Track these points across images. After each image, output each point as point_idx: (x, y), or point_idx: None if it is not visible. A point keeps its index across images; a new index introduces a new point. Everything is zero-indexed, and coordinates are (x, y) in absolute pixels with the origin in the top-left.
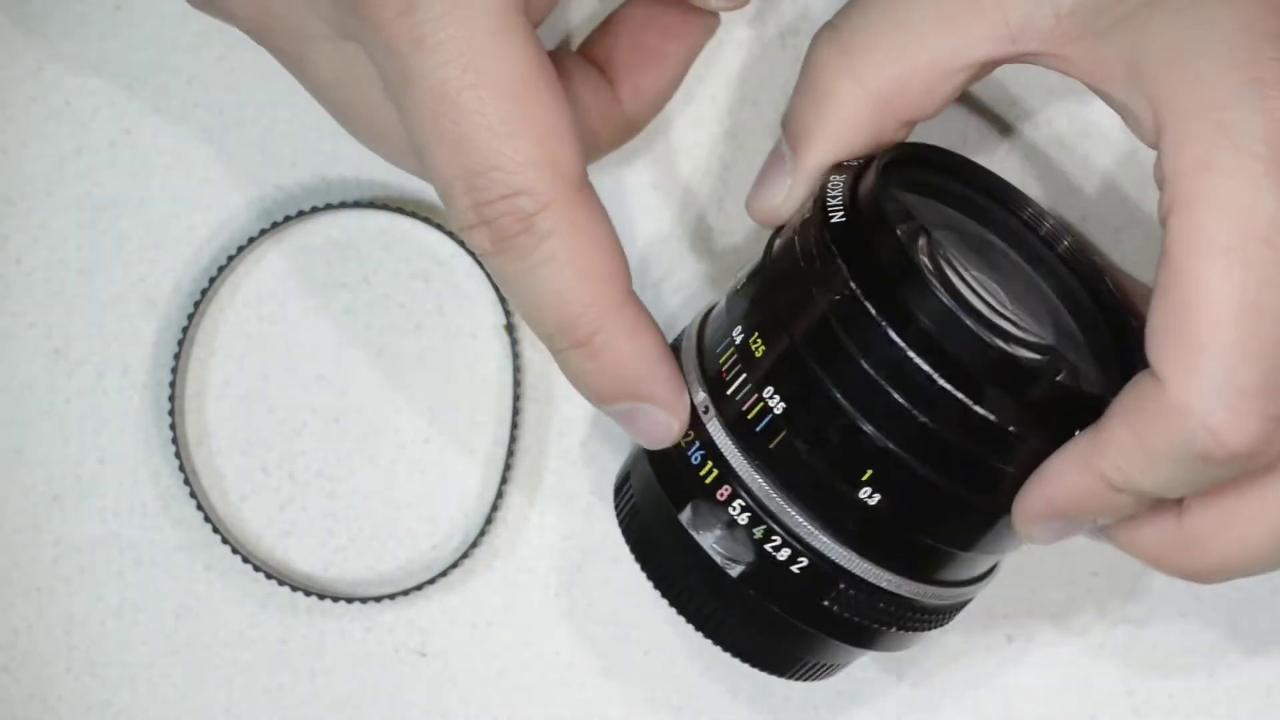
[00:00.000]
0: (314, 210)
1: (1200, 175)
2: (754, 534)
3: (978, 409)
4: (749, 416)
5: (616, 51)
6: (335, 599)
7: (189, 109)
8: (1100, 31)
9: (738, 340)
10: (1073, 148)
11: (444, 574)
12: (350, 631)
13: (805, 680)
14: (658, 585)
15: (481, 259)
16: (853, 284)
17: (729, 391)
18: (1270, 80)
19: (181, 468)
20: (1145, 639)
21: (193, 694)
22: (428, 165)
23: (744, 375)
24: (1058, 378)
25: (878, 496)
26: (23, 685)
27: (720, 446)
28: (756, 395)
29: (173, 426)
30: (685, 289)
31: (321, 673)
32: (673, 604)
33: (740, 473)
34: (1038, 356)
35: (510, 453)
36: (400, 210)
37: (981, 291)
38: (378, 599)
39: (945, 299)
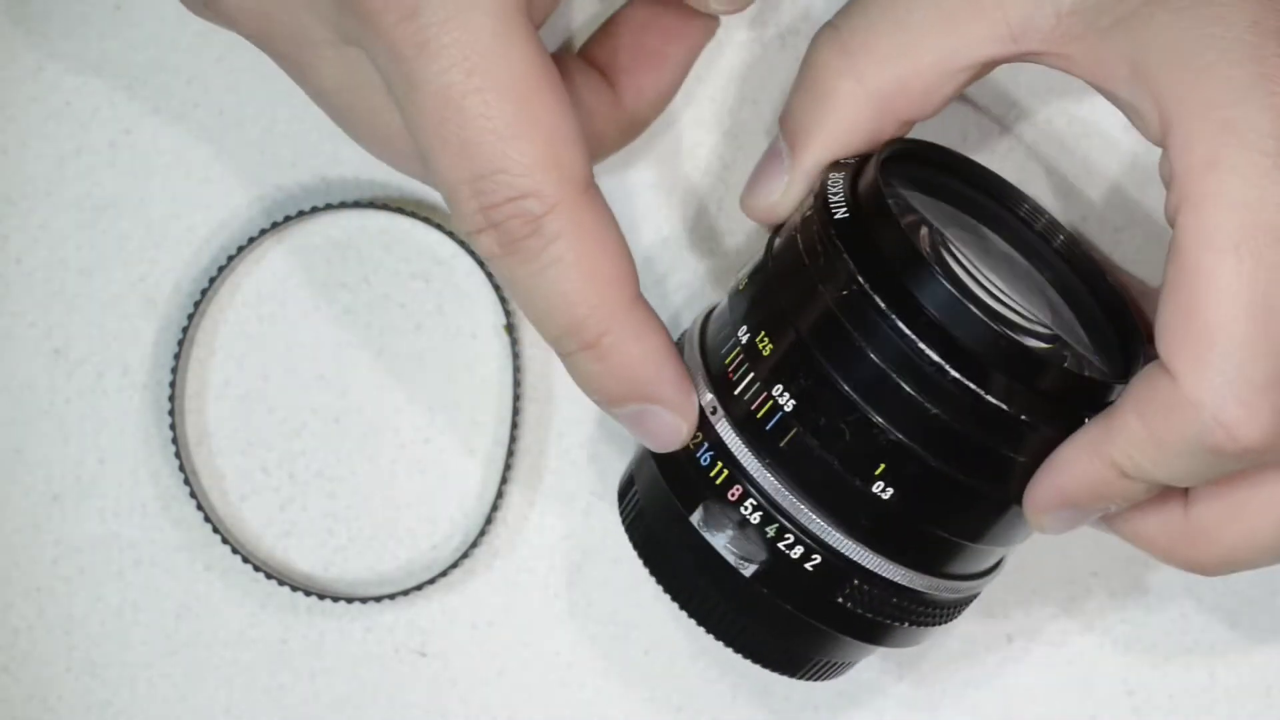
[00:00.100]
0: (314, 210)
1: (1208, 172)
2: (767, 533)
3: (989, 398)
4: (758, 415)
5: (618, 54)
6: (335, 599)
7: (189, 109)
8: (1102, 30)
9: (743, 340)
10: (1072, 148)
11: (444, 574)
12: (350, 631)
13: (815, 680)
14: (667, 588)
15: (488, 263)
16: (860, 278)
17: (736, 391)
18: (1276, 76)
19: (181, 468)
20: (1145, 639)
21: (193, 694)
22: (433, 170)
23: (751, 374)
24: (1065, 365)
25: (891, 490)
26: (23, 685)
27: (730, 446)
28: (765, 394)
29: (173, 426)
30: (685, 289)
31: (321, 673)
32: (683, 606)
33: (751, 472)
34: (1045, 345)
35: (510, 453)
36: (400, 210)
37: (985, 282)
38: (378, 599)
39: (953, 290)
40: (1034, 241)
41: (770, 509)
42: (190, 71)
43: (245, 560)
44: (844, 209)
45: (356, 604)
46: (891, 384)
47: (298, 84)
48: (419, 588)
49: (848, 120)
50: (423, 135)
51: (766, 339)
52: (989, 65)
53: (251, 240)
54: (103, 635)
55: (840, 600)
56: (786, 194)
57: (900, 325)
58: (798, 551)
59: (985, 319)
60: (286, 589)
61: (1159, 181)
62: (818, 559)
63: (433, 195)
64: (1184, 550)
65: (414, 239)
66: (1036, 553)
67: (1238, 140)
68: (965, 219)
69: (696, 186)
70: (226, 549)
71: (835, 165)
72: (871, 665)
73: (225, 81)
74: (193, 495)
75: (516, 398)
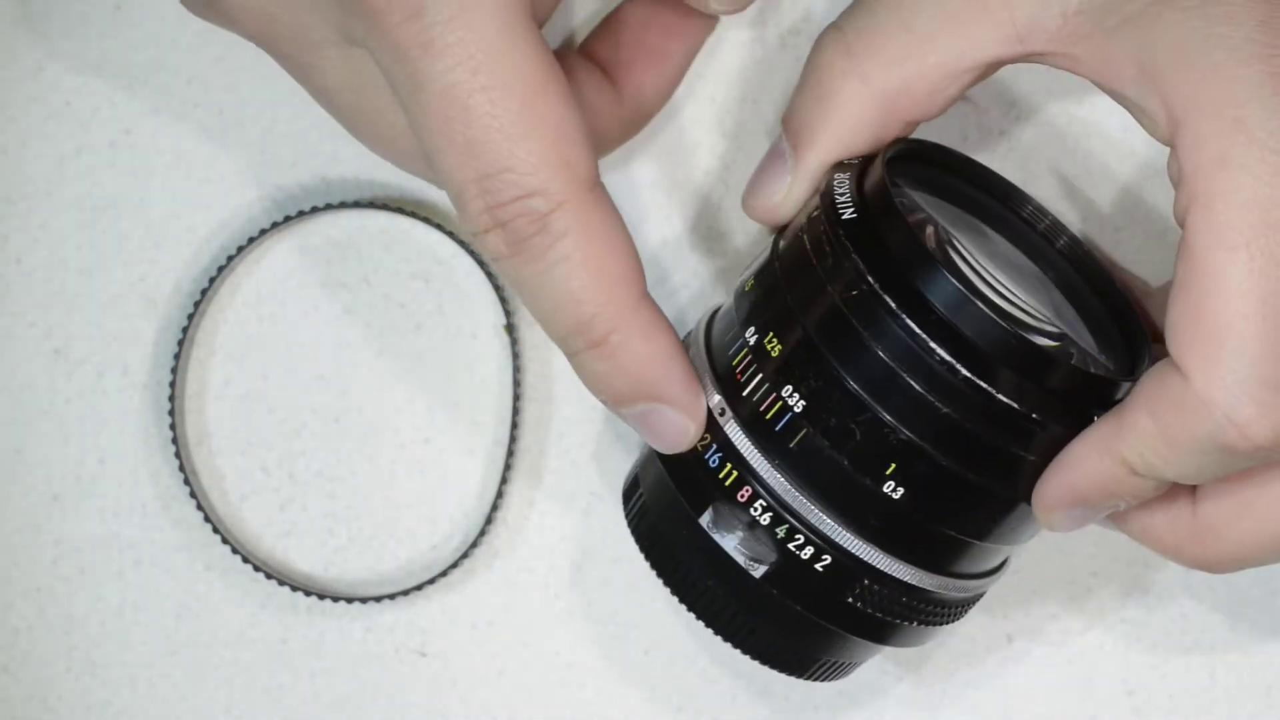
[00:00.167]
0: (314, 210)
1: (1218, 171)
2: (777, 534)
3: (1000, 396)
4: (767, 416)
5: (619, 50)
6: (335, 599)
7: (189, 109)
8: (1109, 30)
9: (751, 340)
10: (1072, 148)
11: (444, 574)
12: (350, 631)
13: (820, 680)
14: (674, 589)
15: (494, 263)
16: (870, 278)
17: (745, 392)
18: None
19: (181, 468)
20: (1145, 639)
21: (193, 694)
22: (438, 170)
23: (760, 375)
24: (1073, 362)
25: (901, 490)
26: (23, 685)
27: (739, 447)
28: (774, 394)
29: (173, 426)
30: (686, 290)
31: (321, 673)
32: (690, 608)
33: (761, 473)
34: (1053, 343)
35: (510, 453)
36: (400, 210)
37: (992, 281)
38: (378, 599)
39: (963, 288)
40: (1037, 242)
41: (780, 510)
42: (190, 71)
43: (245, 560)
44: (851, 209)
45: (356, 604)
46: (902, 383)
47: (301, 84)
48: (419, 588)
49: (852, 121)
50: (428, 135)
51: (775, 339)
52: (994, 66)
53: (251, 240)
54: (103, 635)
55: (850, 600)
56: (789, 195)
57: (910, 324)
58: (808, 552)
59: (995, 317)
60: (286, 589)
61: (1159, 182)
62: (828, 559)
63: (433, 195)
64: (1191, 548)
65: (414, 239)
66: (1037, 553)
67: (1248, 139)
68: (968, 219)
69: (697, 187)
70: (226, 549)
71: (839, 166)
72: (872, 665)
73: (225, 81)
74: (193, 495)
75: (516, 398)
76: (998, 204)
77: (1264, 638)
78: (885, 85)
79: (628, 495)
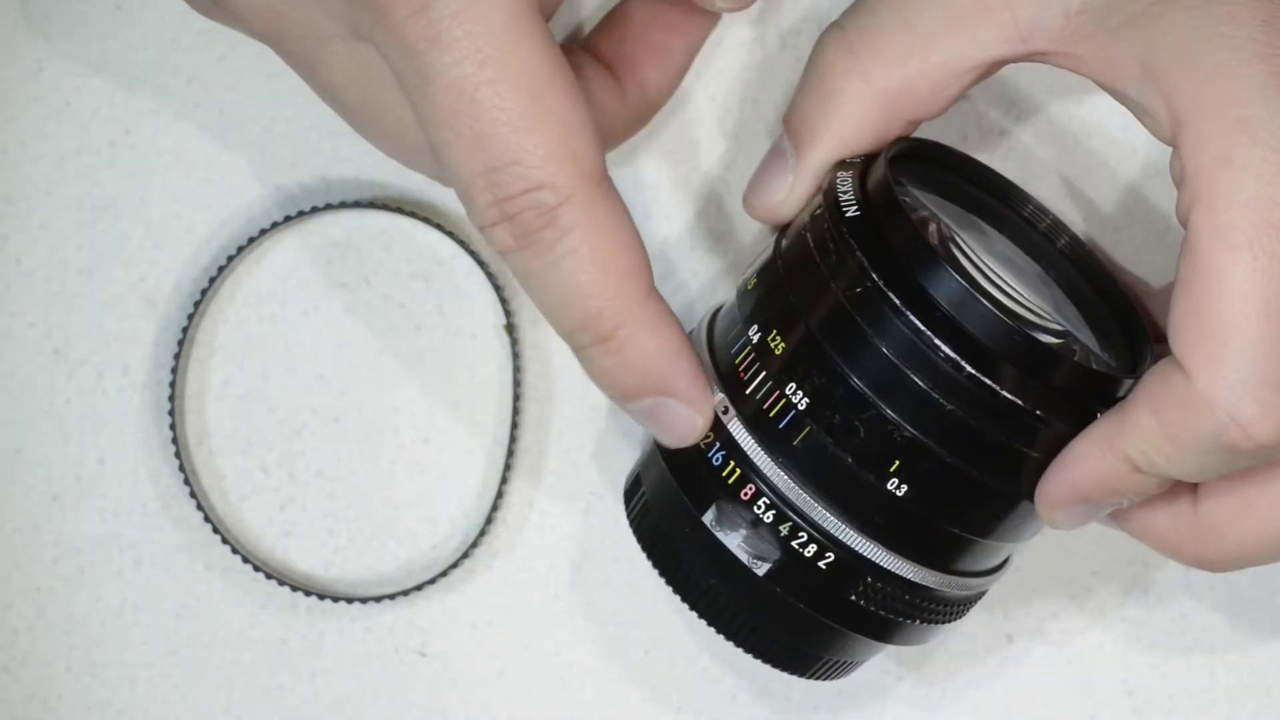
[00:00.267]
0: (314, 210)
1: (1221, 170)
2: (780, 531)
3: (1004, 393)
4: (771, 414)
5: (622, 46)
6: (335, 599)
7: (189, 109)
8: (1112, 29)
9: (754, 338)
10: (1072, 147)
11: (444, 574)
12: (350, 631)
13: (822, 679)
14: (677, 588)
15: (502, 257)
16: (874, 275)
17: (748, 390)
18: None
19: (181, 468)
20: (1145, 639)
21: (193, 694)
22: (446, 164)
23: (763, 373)
24: (1076, 359)
25: (905, 487)
26: (23, 685)
27: (742, 445)
28: (778, 392)
29: (173, 426)
30: (687, 289)
31: (321, 673)
32: (693, 606)
33: (765, 471)
34: (1057, 341)
35: (510, 453)
36: (400, 210)
37: (995, 278)
38: (378, 599)
39: (968, 286)
40: (1038, 241)
41: (784, 507)
42: (190, 71)
43: (245, 560)
44: (855, 206)
45: (356, 604)
46: (906, 380)
47: (307, 82)
48: (419, 588)
49: (854, 120)
50: (435, 129)
51: (778, 337)
52: (996, 65)
53: (251, 240)
54: (103, 635)
55: (853, 598)
56: (791, 193)
57: (915, 321)
58: (811, 550)
59: (1000, 314)
60: (286, 589)
61: (1161, 182)
62: (831, 557)
63: (433, 195)
64: (1192, 546)
65: (414, 239)
66: (1037, 552)
67: (1250, 138)
68: (969, 218)
69: (698, 187)
70: (226, 549)
71: (840, 164)
72: (872, 665)
73: (225, 81)
74: (193, 495)
75: (516, 398)
76: (999, 203)
77: (1264, 638)
78: (887, 84)
79: (629, 494)
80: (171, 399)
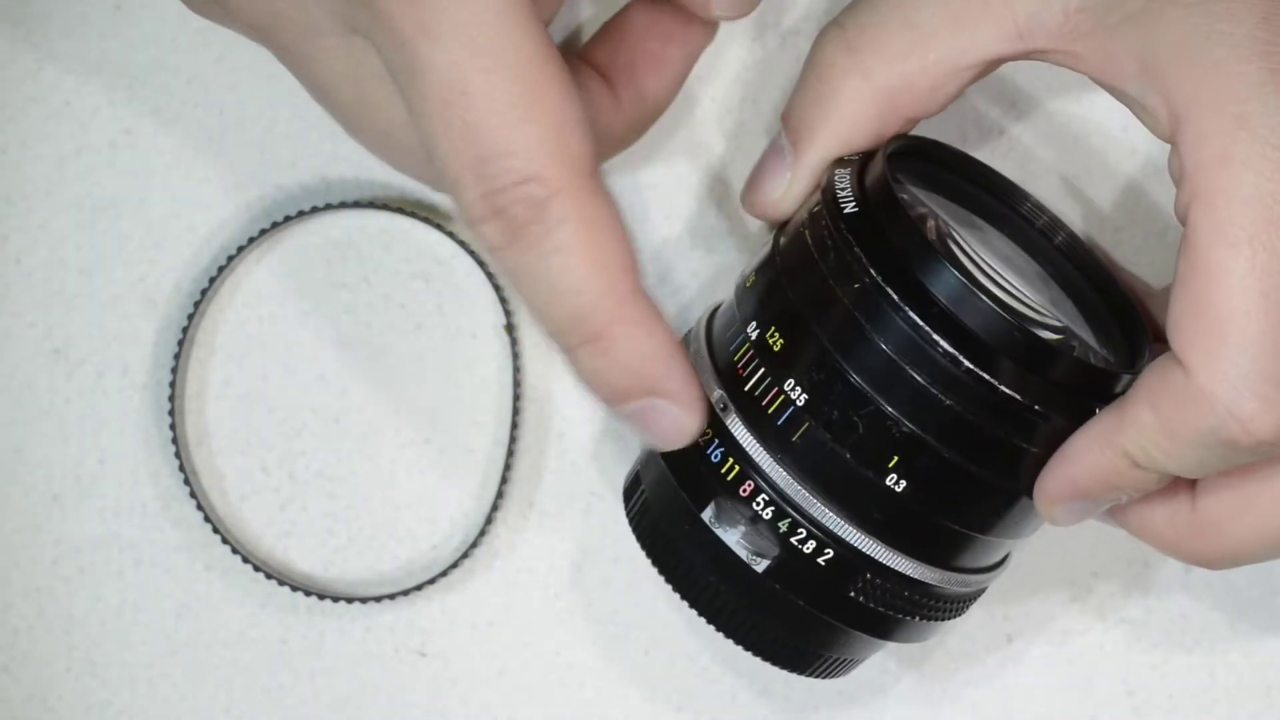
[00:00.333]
0: (314, 210)
1: (1220, 167)
2: (779, 528)
3: (1003, 388)
4: (770, 411)
5: (618, 55)
6: (335, 599)
7: (189, 109)
8: (1110, 27)
9: (753, 335)
10: (1072, 147)
11: (444, 574)
12: (350, 631)
13: (822, 677)
14: (676, 586)
15: (492, 253)
16: (872, 271)
17: (747, 387)
18: None
19: (181, 468)
20: (1145, 639)
21: (193, 694)
22: (436, 158)
23: (762, 370)
24: (1075, 355)
25: (904, 483)
26: (23, 685)
27: (741, 442)
28: (777, 389)
29: (173, 426)
30: (686, 289)
31: (321, 673)
32: (692, 604)
33: (764, 467)
34: (1055, 336)
35: (510, 453)
36: (400, 210)
37: (993, 274)
38: (378, 599)
39: (966, 281)
40: (1035, 239)
41: (783, 504)
42: (190, 71)
43: (245, 560)
44: (853, 203)
45: (356, 604)
46: (905, 376)
47: (300, 79)
48: (419, 588)
49: (853, 117)
50: (426, 120)
51: (777, 334)
52: (996, 63)
53: (251, 240)
54: (103, 635)
55: (853, 595)
56: (789, 191)
57: (913, 317)
58: (810, 546)
59: (998, 310)
60: (286, 589)
61: (1160, 180)
62: (830, 553)
63: (433, 195)
64: (1191, 543)
65: (414, 239)
66: (1037, 553)
67: (1249, 135)
68: (967, 215)
69: (697, 187)
70: (226, 549)
71: (839, 162)
72: (872, 664)
73: (225, 81)
74: (193, 495)
75: (516, 398)
76: (996, 201)
77: (1264, 638)
78: (886, 82)
79: (629, 493)
80: (171, 399)
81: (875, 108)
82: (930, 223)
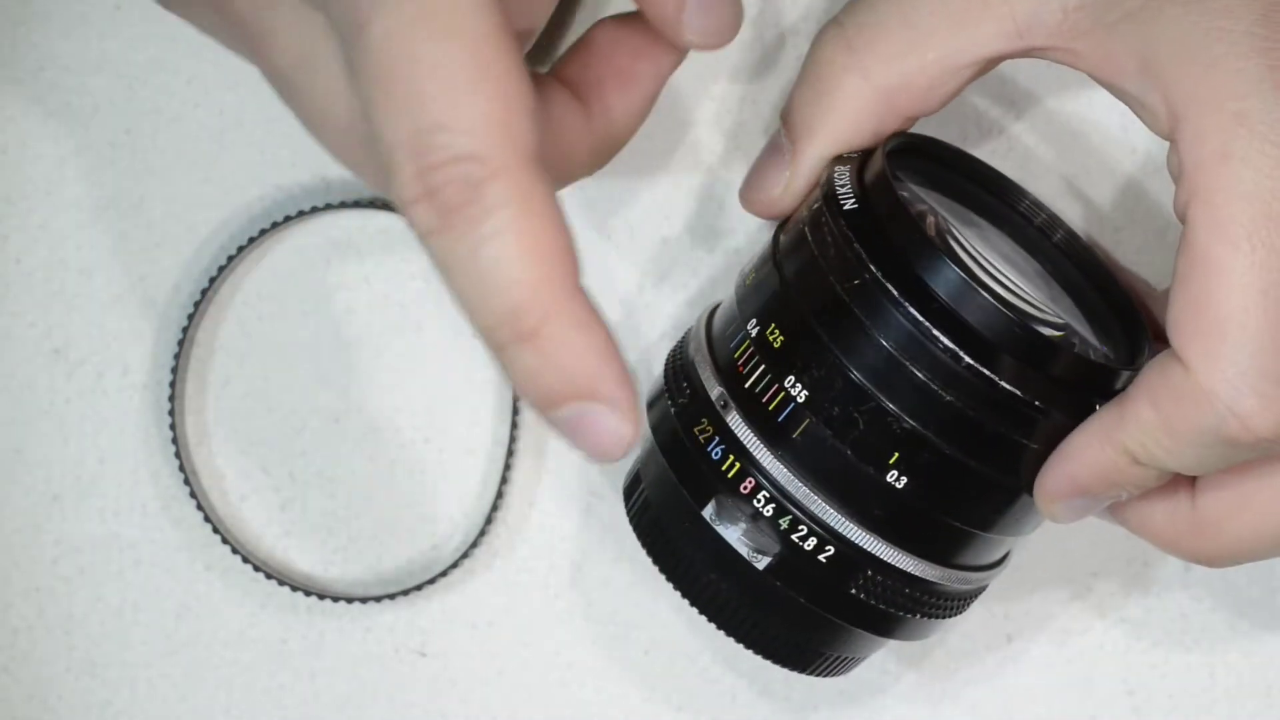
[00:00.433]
0: (314, 210)
1: (1220, 164)
2: (780, 525)
3: (1004, 384)
4: (770, 407)
5: (587, 71)
6: (335, 599)
7: (189, 109)
8: (1109, 24)
9: (753, 332)
10: (1072, 146)
11: (444, 574)
12: (350, 631)
13: (823, 675)
14: (677, 584)
15: (422, 240)
16: (872, 267)
17: (747, 384)
18: None
19: (181, 468)
20: (1145, 639)
21: (193, 694)
22: (375, 131)
23: (762, 366)
24: (1075, 350)
25: (905, 479)
26: (23, 685)
27: (742, 439)
28: (777, 385)
29: (173, 426)
30: (686, 288)
31: (321, 673)
32: (693, 602)
33: (764, 464)
34: (1055, 333)
35: (510, 453)
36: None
37: (993, 270)
38: (378, 599)
39: (966, 277)
40: (1034, 236)
41: (784, 501)
42: (190, 71)
43: (245, 560)
44: (852, 200)
45: (356, 604)
46: (905, 372)
47: (253, 59)
48: (419, 588)
49: (852, 115)
50: (368, 85)
51: (777, 331)
52: (995, 61)
53: (251, 240)
54: (103, 635)
55: (853, 592)
56: (788, 188)
57: (914, 312)
58: (811, 543)
59: (998, 306)
60: (286, 589)
61: (1160, 179)
62: (831, 550)
63: None
64: (1190, 541)
65: (414, 239)
66: (1037, 552)
67: (1249, 132)
68: (965, 213)
69: (697, 186)
70: (226, 549)
71: (838, 159)
72: (872, 664)
73: (225, 81)
74: (193, 495)
75: (516, 398)
76: (995, 198)
77: (1264, 638)
78: (885, 80)
79: (629, 491)
80: (171, 399)
81: (874, 106)
82: (930, 219)
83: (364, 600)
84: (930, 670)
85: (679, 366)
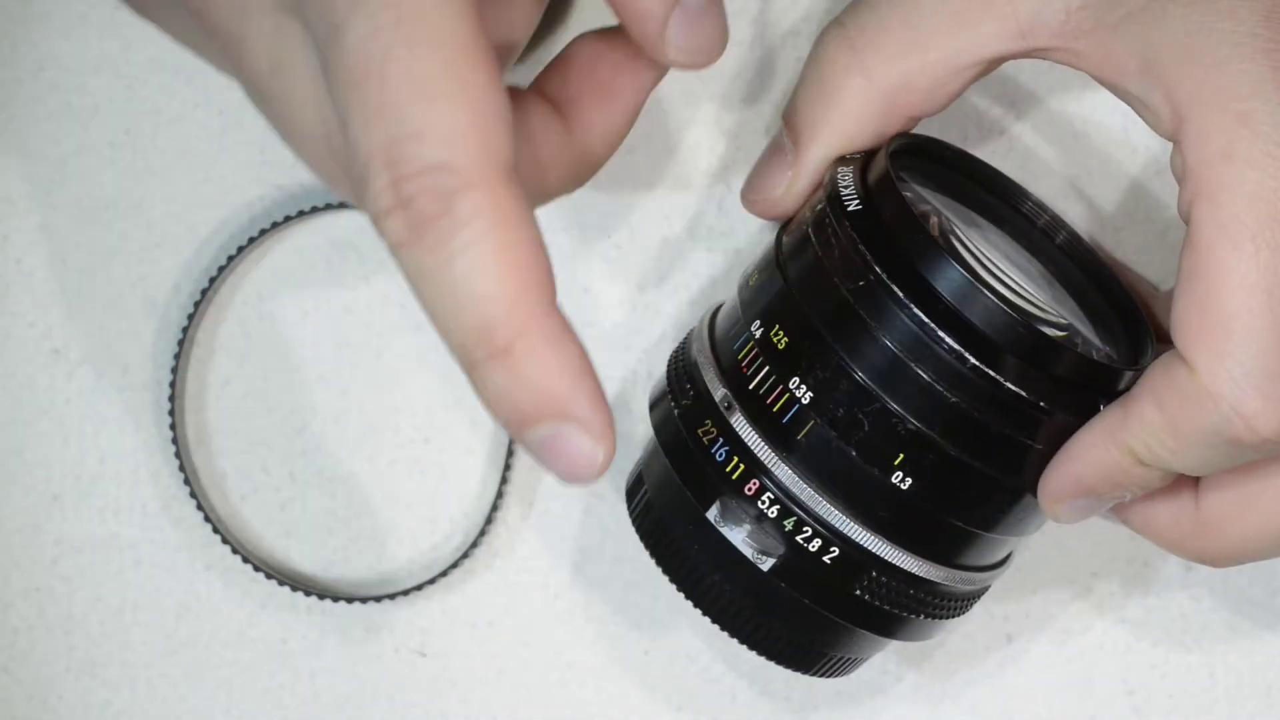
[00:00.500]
0: (314, 210)
1: (1224, 165)
2: (784, 526)
3: (1009, 385)
4: (774, 409)
5: (567, 85)
6: (335, 599)
7: (189, 109)
8: (1112, 25)
9: (757, 334)
10: (1073, 146)
11: (444, 574)
12: (350, 631)
13: (826, 676)
14: (680, 585)
15: (393, 252)
16: (877, 268)
17: (751, 386)
18: None
19: (181, 468)
20: (1145, 639)
21: (193, 694)
22: (350, 139)
23: (766, 368)
24: (1079, 351)
25: (910, 480)
26: (23, 685)
27: (746, 440)
28: (781, 387)
29: (173, 426)
30: (686, 289)
31: (321, 673)
32: (696, 603)
33: (769, 465)
34: (1059, 333)
35: (510, 453)
36: None
37: (996, 271)
38: (378, 599)
39: (970, 278)
40: (1036, 238)
41: (788, 502)
42: (190, 71)
43: (245, 560)
44: (856, 200)
45: (356, 604)
46: (910, 373)
47: (227, 67)
48: (419, 588)
49: (854, 116)
50: (342, 94)
51: (781, 332)
52: (997, 62)
53: (251, 240)
54: (103, 635)
55: (858, 593)
56: (791, 189)
57: (919, 313)
58: (816, 544)
59: (1003, 306)
60: (286, 589)
61: (1161, 180)
62: (836, 551)
63: None
64: (1194, 541)
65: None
66: (1037, 553)
67: (1252, 132)
68: (968, 214)
69: (697, 187)
70: (226, 549)
71: (840, 160)
72: (872, 664)
73: (225, 81)
74: (193, 495)
75: None
76: (997, 199)
77: (1264, 638)
78: (888, 80)
79: (631, 492)
80: (171, 399)
81: (877, 106)
82: (933, 220)
83: (364, 600)
84: (930, 670)
85: (682, 368)
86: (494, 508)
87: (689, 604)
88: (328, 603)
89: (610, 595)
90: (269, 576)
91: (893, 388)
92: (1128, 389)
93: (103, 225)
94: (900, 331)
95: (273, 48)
